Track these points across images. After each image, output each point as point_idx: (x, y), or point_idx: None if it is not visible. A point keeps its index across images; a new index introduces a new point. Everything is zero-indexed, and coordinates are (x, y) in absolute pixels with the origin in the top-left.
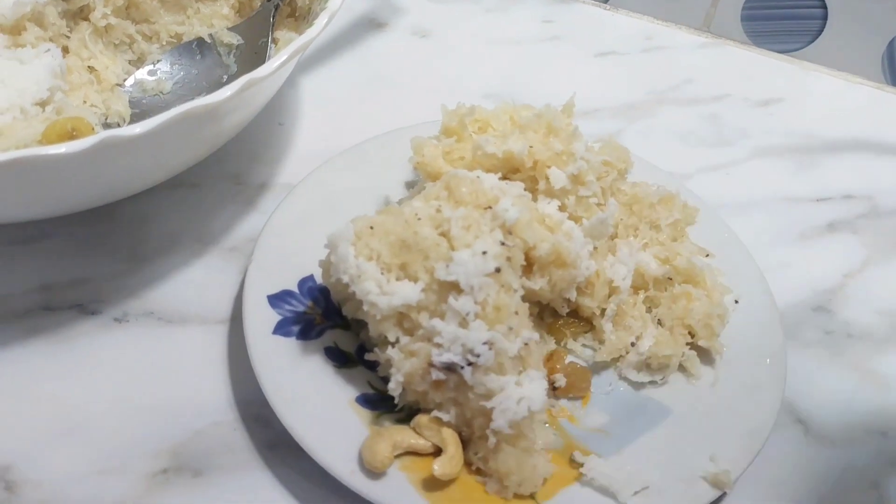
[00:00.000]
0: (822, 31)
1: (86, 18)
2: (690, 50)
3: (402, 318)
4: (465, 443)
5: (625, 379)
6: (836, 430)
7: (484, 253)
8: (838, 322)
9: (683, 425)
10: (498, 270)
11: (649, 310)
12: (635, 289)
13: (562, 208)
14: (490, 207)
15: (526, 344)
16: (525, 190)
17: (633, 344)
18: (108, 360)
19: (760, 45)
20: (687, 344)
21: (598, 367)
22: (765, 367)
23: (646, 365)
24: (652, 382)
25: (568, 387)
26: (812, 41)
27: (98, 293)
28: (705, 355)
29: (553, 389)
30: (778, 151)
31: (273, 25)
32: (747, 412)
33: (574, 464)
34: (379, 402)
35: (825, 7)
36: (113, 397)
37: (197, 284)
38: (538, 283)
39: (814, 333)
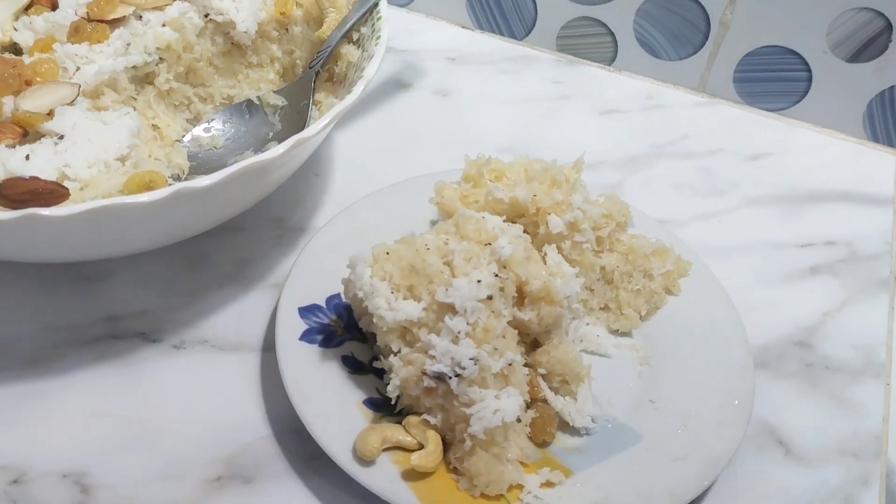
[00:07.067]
0: (807, 91)
1: (151, 83)
2: (687, 108)
3: (405, 331)
4: (448, 446)
5: None
6: (813, 451)
7: (479, 281)
8: (817, 356)
9: (651, 451)
10: (490, 298)
11: None
12: None
13: (559, 250)
14: (490, 244)
15: (510, 364)
16: (526, 233)
17: None
18: (168, 381)
19: (751, 104)
20: None
21: None
22: (732, 408)
23: None
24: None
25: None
26: (799, 101)
27: (159, 323)
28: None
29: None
30: (766, 201)
31: (314, 89)
32: (710, 445)
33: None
34: (383, 406)
35: (809, 70)
36: (173, 414)
37: (245, 316)
38: (527, 315)
39: (795, 366)
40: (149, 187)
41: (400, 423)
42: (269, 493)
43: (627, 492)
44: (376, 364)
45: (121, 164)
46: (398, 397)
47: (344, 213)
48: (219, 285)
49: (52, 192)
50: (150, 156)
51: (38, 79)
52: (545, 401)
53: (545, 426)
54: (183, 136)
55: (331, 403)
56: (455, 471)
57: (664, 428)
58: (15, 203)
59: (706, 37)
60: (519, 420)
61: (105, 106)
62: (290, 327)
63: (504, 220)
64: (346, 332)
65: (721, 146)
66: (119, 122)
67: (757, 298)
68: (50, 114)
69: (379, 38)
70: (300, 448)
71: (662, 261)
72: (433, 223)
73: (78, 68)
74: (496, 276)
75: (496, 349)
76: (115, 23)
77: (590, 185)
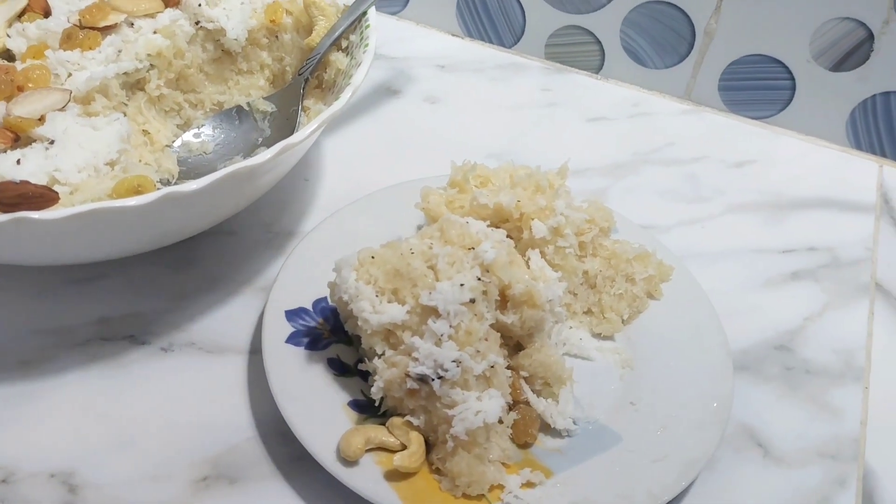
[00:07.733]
0: (791, 99)
1: (142, 89)
2: (673, 116)
3: (389, 334)
4: (431, 447)
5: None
6: (792, 453)
7: (462, 285)
8: (798, 359)
9: (631, 452)
10: (472, 301)
11: None
12: None
13: (542, 255)
14: (473, 248)
15: (492, 366)
16: (509, 237)
17: None
18: (156, 383)
19: (736, 112)
20: None
21: None
22: (711, 410)
23: None
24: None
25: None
26: (783, 109)
27: (148, 326)
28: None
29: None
30: (749, 208)
31: (303, 96)
32: (689, 446)
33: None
34: (367, 408)
35: (793, 78)
36: (161, 415)
37: (233, 319)
38: (510, 318)
39: (776, 369)
40: (137, 191)
41: (384, 424)
42: (254, 494)
43: (607, 492)
44: (361, 366)
45: (110, 168)
46: (382, 399)
47: (332, 218)
48: (207, 288)
49: (42, 196)
50: (140, 161)
51: (30, 85)
52: (527, 403)
53: (527, 428)
54: (173, 142)
55: (316, 405)
56: (437, 471)
57: (644, 429)
58: (5, 207)
59: (691, 46)
60: (501, 421)
61: (96, 111)
62: (277, 330)
63: (488, 225)
64: (332, 334)
65: (706, 153)
66: (109, 127)
67: (739, 303)
68: (41, 119)
69: (367, 45)
70: (285, 449)
71: (645, 265)
72: (419, 228)
73: (70, 74)
74: (479, 279)
75: (479, 352)
76: (106, 30)
77: (576, 192)
